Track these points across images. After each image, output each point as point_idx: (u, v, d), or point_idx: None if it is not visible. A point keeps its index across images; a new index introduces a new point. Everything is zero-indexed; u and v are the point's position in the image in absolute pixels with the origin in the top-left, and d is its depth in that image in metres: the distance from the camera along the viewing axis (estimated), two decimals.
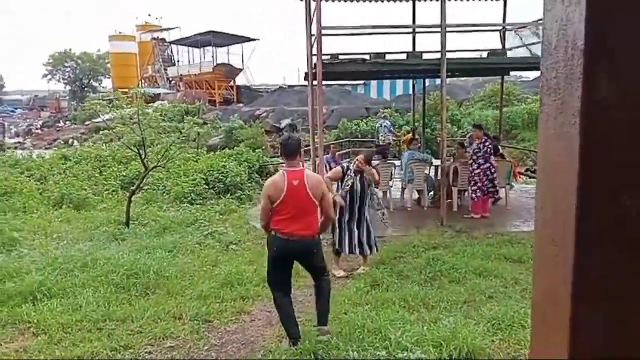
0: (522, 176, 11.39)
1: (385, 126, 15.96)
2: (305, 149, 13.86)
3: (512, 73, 16.02)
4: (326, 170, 9.49)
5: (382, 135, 15.73)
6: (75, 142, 25.62)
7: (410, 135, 13.47)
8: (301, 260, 4.37)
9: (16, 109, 47.20)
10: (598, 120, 0.75)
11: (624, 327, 0.77)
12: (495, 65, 9.85)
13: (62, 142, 19.39)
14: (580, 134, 0.75)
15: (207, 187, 11.38)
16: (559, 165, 0.81)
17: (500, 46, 10.85)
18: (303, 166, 4.39)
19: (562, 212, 0.79)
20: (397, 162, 10.73)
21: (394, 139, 16.68)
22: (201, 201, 10.60)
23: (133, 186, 9.74)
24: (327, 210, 4.32)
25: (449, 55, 8.13)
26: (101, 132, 11.72)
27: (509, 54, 9.93)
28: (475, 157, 8.55)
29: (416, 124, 15.54)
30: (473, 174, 8.55)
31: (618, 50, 0.74)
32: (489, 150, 8.47)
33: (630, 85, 0.74)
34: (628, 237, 0.75)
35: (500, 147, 10.48)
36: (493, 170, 8.51)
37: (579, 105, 0.76)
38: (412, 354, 3.56)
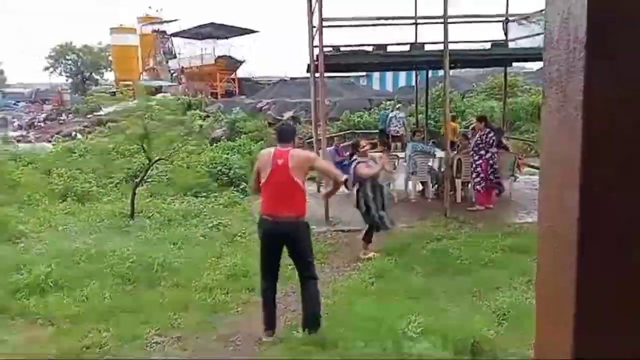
0: (526, 167, 11.36)
1: (398, 117, 15.72)
2: (308, 141, 13.89)
3: (515, 64, 15.97)
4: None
5: (393, 127, 15.47)
6: (78, 135, 25.66)
7: (455, 124, 13.32)
8: (286, 244, 4.23)
9: (18, 101, 47.16)
10: (600, 113, 0.75)
11: (629, 321, 0.77)
12: (497, 56, 9.83)
13: (61, 136, 19.33)
14: (582, 127, 0.76)
15: (210, 179, 11.42)
16: (561, 158, 0.82)
17: (502, 37, 10.80)
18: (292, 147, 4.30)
19: (564, 205, 0.79)
20: (401, 154, 10.73)
21: (404, 132, 16.46)
22: (205, 193, 10.64)
23: (137, 179, 9.79)
24: (329, 175, 4.28)
25: (452, 47, 8.11)
26: (105, 125, 11.76)
27: (512, 45, 9.89)
28: (476, 148, 8.57)
29: (419, 116, 15.50)
30: (475, 165, 8.57)
31: (620, 43, 0.74)
32: (490, 141, 8.48)
33: (631, 79, 0.75)
34: (632, 231, 0.76)
35: (503, 139, 10.46)
36: (495, 161, 8.52)
37: (581, 99, 0.76)
38: (417, 343, 3.59)
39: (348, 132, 19.66)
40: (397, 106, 18.37)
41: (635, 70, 0.75)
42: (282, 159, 4.09)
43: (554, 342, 0.83)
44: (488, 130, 8.63)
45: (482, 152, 8.49)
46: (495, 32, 11.13)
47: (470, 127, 10.45)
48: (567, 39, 0.79)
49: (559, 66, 0.83)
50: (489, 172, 8.53)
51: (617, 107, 0.75)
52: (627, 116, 0.75)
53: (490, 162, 8.51)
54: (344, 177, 4.42)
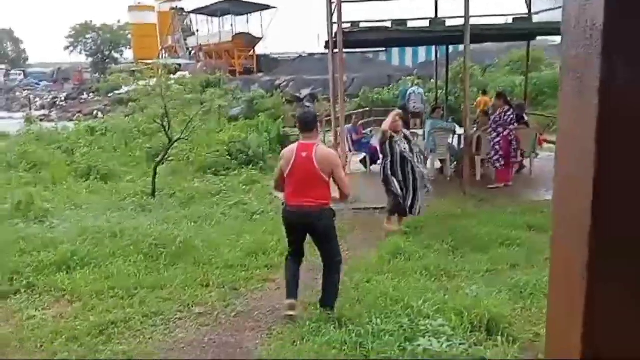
0: (546, 143, 11.18)
1: (418, 93, 15.59)
2: (326, 118, 13.84)
3: (539, 37, 15.56)
4: (348, 141, 9.49)
5: (412, 103, 15.34)
6: (99, 114, 25.97)
7: (486, 98, 13.22)
8: (309, 232, 4.36)
9: (40, 81, 47.79)
10: (616, 100, 0.76)
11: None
12: (520, 31, 9.59)
13: (83, 115, 19.57)
14: (597, 113, 0.76)
15: (229, 157, 11.50)
16: (577, 144, 0.82)
17: (525, 10, 10.51)
18: (317, 140, 4.39)
19: (579, 190, 0.80)
20: (420, 131, 10.64)
21: (423, 109, 16.30)
22: (224, 172, 10.74)
23: (158, 157, 9.92)
24: (340, 185, 4.30)
25: (473, 21, 7.93)
26: (125, 104, 11.88)
27: (535, 18, 9.63)
28: (494, 126, 8.47)
29: (439, 92, 15.29)
30: (493, 143, 8.48)
31: (637, 29, 0.74)
32: (509, 119, 8.37)
33: None
34: None
35: (525, 115, 10.29)
36: (513, 138, 8.43)
37: (597, 85, 0.76)
38: (433, 320, 3.63)
39: (367, 109, 19.52)
40: (416, 82, 18.14)
41: None
42: (307, 152, 4.16)
43: (566, 323, 0.84)
44: (507, 107, 8.51)
45: (500, 129, 8.39)
46: (518, 5, 10.81)
47: (491, 104, 10.28)
48: (585, 26, 0.79)
49: (577, 52, 0.82)
50: (508, 150, 8.44)
51: (633, 94, 0.75)
52: None
53: (510, 139, 8.40)
54: (349, 192, 4.53)
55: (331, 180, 4.25)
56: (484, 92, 14.27)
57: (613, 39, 0.74)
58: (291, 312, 4.25)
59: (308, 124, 4.31)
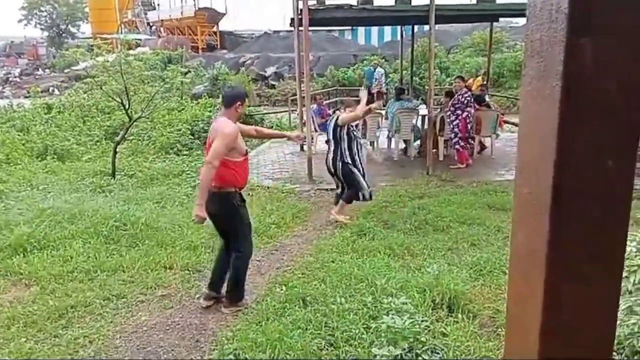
0: (507, 124, 11.45)
1: (382, 75, 15.82)
2: (292, 98, 13.70)
3: (502, 19, 15.77)
4: (312, 122, 9.43)
5: (379, 84, 15.61)
6: (55, 91, 24.99)
7: (480, 79, 13.37)
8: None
9: None
10: (580, 83, 0.77)
11: (599, 285, 0.81)
12: (484, 12, 9.68)
13: (40, 91, 18.75)
14: (561, 96, 0.77)
15: (192, 137, 11.28)
16: (539, 127, 0.83)
17: None
18: (226, 115, 4.09)
19: (541, 171, 0.82)
20: (382, 112, 10.68)
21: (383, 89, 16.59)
22: (187, 152, 10.54)
23: (117, 136, 9.63)
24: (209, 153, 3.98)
25: (438, 2, 7.95)
26: (82, 81, 11.45)
27: (498, 0, 9.73)
28: (452, 108, 8.64)
29: (404, 72, 15.36)
30: (452, 126, 8.65)
31: (601, 14, 0.74)
32: (466, 101, 8.55)
33: (613, 49, 0.75)
34: (608, 196, 0.79)
35: (487, 97, 10.47)
36: (470, 120, 8.62)
37: (561, 69, 0.77)
38: (396, 299, 3.69)
39: (332, 88, 19.46)
40: (378, 63, 18.35)
41: (616, 42, 0.75)
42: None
43: (526, 299, 0.87)
44: (464, 90, 8.69)
45: (459, 111, 8.58)
46: None
47: (453, 85, 10.41)
48: (550, 9, 0.79)
49: (541, 35, 0.82)
50: (465, 132, 8.64)
51: (596, 78, 0.76)
52: (606, 87, 0.76)
53: (467, 121, 8.59)
54: (210, 160, 3.94)
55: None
56: (476, 76, 14.70)
57: (577, 22, 0.74)
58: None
59: (225, 100, 4.12)
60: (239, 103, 4.07)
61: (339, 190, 6.29)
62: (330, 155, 6.12)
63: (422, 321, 3.45)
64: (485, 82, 12.37)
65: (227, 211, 4.08)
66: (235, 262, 4.16)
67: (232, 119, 4.06)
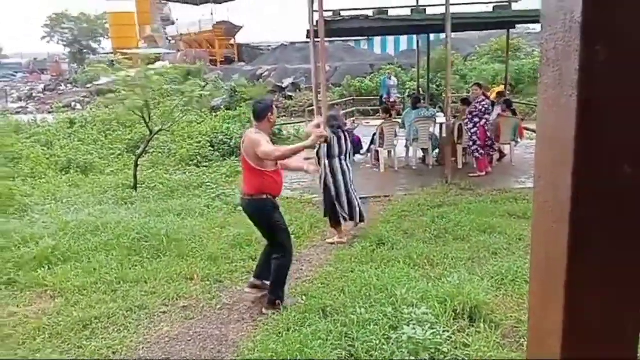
0: (526, 131, 11.33)
1: (391, 85, 15.92)
2: (309, 108, 13.76)
3: (518, 25, 15.66)
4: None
5: (394, 94, 15.75)
6: (78, 106, 25.52)
7: (498, 88, 13.37)
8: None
9: (16, 72, 46.65)
10: (595, 91, 0.77)
11: (619, 289, 0.81)
12: (500, 19, 9.64)
13: (61, 106, 19.22)
14: (577, 105, 0.77)
15: (212, 149, 11.41)
16: (555, 137, 0.83)
17: None
18: (259, 128, 4.26)
19: (559, 178, 0.82)
20: (399, 120, 10.67)
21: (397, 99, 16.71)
22: (207, 163, 10.66)
23: (138, 149, 9.79)
24: (264, 157, 4.11)
25: (453, 10, 7.96)
26: (104, 96, 11.69)
27: (515, 6, 9.69)
28: (470, 116, 8.57)
29: (420, 80, 15.35)
30: (470, 134, 8.58)
31: (615, 22, 0.75)
32: (483, 109, 8.48)
33: (627, 57, 0.76)
34: (626, 202, 0.78)
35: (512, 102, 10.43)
36: (489, 128, 8.58)
37: (576, 77, 0.77)
38: (417, 309, 3.66)
39: (349, 98, 19.51)
40: (392, 72, 18.52)
41: (631, 50, 0.75)
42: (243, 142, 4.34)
43: (547, 309, 0.86)
44: (482, 98, 8.63)
45: (477, 119, 8.50)
46: None
47: (470, 93, 10.37)
48: (564, 18, 0.79)
49: (556, 44, 0.83)
50: (485, 139, 8.57)
51: (612, 86, 0.76)
52: (622, 95, 0.77)
53: (486, 128, 8.53)
54: (277, 154, 4.19)
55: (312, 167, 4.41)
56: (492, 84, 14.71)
57: (591, 31, 0.75)
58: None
59: (255, 113, 4.32)
60: (269, 113, 4.30)
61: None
62: (326, 172, 5.95)
63: (444, 332, 3.42)
64: (503, 90, 12.27)
65: (261, 217, 4.31)
66: (274, 266, 4.33)
67: (267, 130, 4.32)
